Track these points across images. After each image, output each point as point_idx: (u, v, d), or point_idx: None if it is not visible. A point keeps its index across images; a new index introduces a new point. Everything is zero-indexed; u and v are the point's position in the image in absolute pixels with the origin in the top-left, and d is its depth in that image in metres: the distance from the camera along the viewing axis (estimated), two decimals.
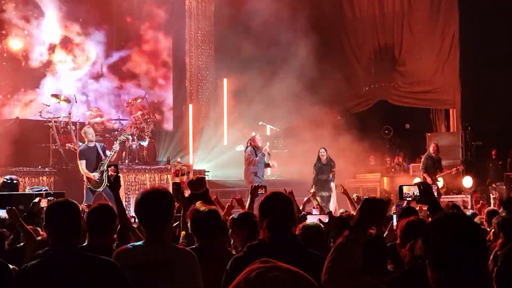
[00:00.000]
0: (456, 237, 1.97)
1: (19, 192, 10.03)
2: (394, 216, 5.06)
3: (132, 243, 3.47)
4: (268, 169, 15.62)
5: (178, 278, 3.21)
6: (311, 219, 5.43)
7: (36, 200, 5.77)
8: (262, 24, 15.50)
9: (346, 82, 17.79)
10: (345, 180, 13.57)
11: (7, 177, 10.04)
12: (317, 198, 9.51)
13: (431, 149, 13.44)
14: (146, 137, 13.41)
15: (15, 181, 10.00)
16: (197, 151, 15.66)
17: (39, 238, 4.79)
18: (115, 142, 11.09)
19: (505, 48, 15.41)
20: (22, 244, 4.86)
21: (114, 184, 4.19)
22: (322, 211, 8.08)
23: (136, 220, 4.02)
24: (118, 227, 4.06)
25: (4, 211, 4.95)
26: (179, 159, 13.75)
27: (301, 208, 7.07)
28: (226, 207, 6.21)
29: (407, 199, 4.06)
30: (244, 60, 15.43)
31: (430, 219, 4.21)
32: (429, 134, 16.33)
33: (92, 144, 10.34)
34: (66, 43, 14.61)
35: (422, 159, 13.67)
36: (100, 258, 3.05)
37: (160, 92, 16.29)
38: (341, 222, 4.90)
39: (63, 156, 12.29)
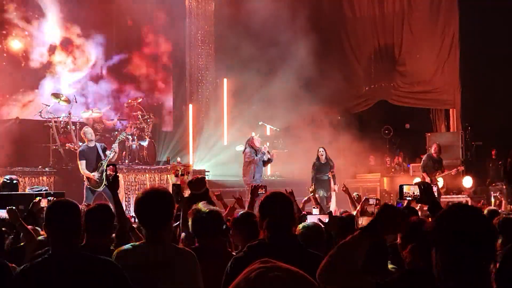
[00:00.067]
0: (456, 237, 1.97)
1: (19, 192, 10.02)
2: None
3: (132, 243, 3.47)
4: (268, 169, 15.66)
5: (178, 278, 3.21)
6: (311, 219, 5.43)
7: (36, 200, 5.77)
8: (262, 24, 15.50)
9: (346, 82, 17.80)
10: (345, 180, 13.57)
11: (7, 177, 10.04)
12: (316, 196, 9.51)
13: (432, 149, 13.38)
14: (146, 137, 13.41)
15: (15, 181, 9.99)
16: (197, 151, 15.66)
17: (40, 238, 4.79)
18: (114, 141, 11.09)
19: (505, 48, 15.40)
20: (22, 244, 4.87)
21: (113, 183, 4.19)
22: (322, 211, 8.07)
23: (136, 220, 4.02)
24: (117, 227, 4.06)
25: (4, 211, 4.94)
26: (179, 159, 13.75)
27: (301, 207, 7.08)
28: (228, 208, 6.21)
29: (407, 198, 4.05)
30: (244, 60, 15.43)
31: (430, 219, 4.22)
32: (429, 134, 16.33)
33: (92, 144, 10.34)
34: (67, 45, 14.62)
35: (423, 159, 13.68)
36: (100, 258, 3.05)
37: (160, 95, 16.29)
38: (341, 222, 4.90)
39: (63, 156, 12.29)
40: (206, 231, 3.87)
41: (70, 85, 14.26)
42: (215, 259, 3.59)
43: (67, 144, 12.24)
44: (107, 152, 10.32)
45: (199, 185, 5.80)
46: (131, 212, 10.14)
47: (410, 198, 4.02)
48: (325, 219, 5.43)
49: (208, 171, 14.25)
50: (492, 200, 12.55)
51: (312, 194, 8.53)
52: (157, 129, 15.16)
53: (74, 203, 3.18)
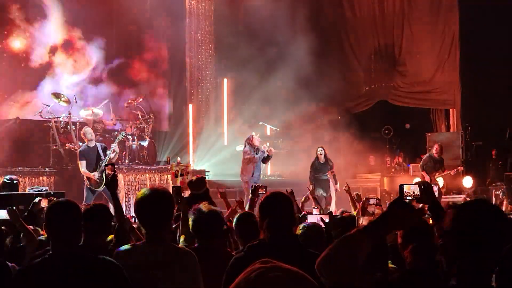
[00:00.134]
0: (477, 232, 1.95)
1: (19, 192, 10.01)
2: None
3: (132, 243, 3.47)
4: (268, 169, 15.66)
5: (178, 278, 3.21)
6: (311, 219, 5.44)
7: (37, 200, 5.77)
8: (262, 24, 15.51)
9: (346, 82, 17.82)
10: (345, 180, 13.58)
11: (7, 177, 10.02)
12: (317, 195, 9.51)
13: (434, 149, 13.32)
14: (146, 137, 13.40)
15: (15, 181, 9.97)
16: (197, 151, 15.66)
17: (40, 238, 4.79)
18: (114, 141, 11.08)
19: (505, 48, 15.41)
20: (22, 244, 4.86)
21: (111, 182, 4.20)
22: (321, 211, 8.07)
23: (136, 220, 4.02)
24: (116, 227, 4.06)
25: (5, 211, 4.94)
26: (179, 159, 13.75)
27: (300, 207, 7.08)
28: (229, 211, 6.21)
29: (408, 198, 4.05)
30: (244, 60, 15.44)
31: (430, 219, 4.22)
32: (429, 134, 16.33)
33: (92, 144, 10.33)
34: (67, 47, 14.61)
35: (423, 158, 13.68)
36: (101, 258, 3.05)
37: (159, 101, 16.30)
38: (341, 222, 4.91)
39: (63, 156, 12.28)
40: (206, 231, 3.87)
41: (69, 87, 14.25)
42: (215, 259, 3.58)
43: (67, 144, 12.23)
44: (108, 152, 10.31)
45: (199, 185, 5.81)
46: (131, 212, 10.13)
47: (411, 198, 4.02)
48: (326, 219, 5.44)
49: (208, 171, 14.25)
50: (493, 200, 12.56)
51: (311, 192, 8.52)
52: (157, 129, 15.15)
53: (74, 203, 3.19)
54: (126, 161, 13.00)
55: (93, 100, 14.59)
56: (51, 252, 3.06)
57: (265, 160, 12.37)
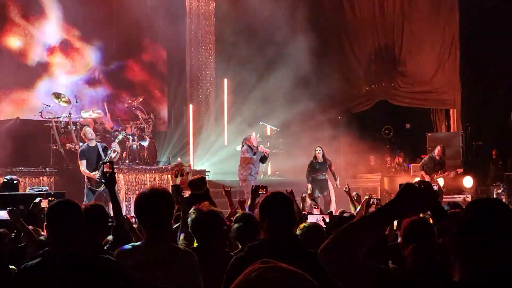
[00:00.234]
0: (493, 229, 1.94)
1: (20, 193, 10.00)
2: None
3: (132, 243, 3.47)
4: (268, 169, 15.66)
5: (178, 278, 3.21)
6: (311, 219, 5.44)
7: (37, 200, 5.76)
8: (262, 24, 15.51)
9: (346, 82, 17.81)
10: (345, 180, 13.58)
11: (8, 177, 10.02)
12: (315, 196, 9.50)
13: (436, 151, 13.27)
14: (146, 137, 13.41)
15: (15, 181, 9.97)
16: (196, 151, 15.66)
17: (40, 238, 4.79)
18: (114, 141, 11.08)
19: (505, 48, 15.40)
20: (22, 244, 4.86)
21: (109, 180, 4.19)
22: (320, 212, 8.08)
23: (136, 220, 4.02)
24: (114, 225, 4.05)
25: (5, 211, 4.94)
26: (179, 159, 13.75)
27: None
28: (230, 211, 6.21)
29: None
30: (244, 60, 15.44)
31: (431, 219, 4.22)
32: (429, 134, 16.32)
33: (93, 144, 10.32)
34: (66, 47, 14.61)
35: (424, 158, 13.67)
36: (102, 257, 3.05)
37: (159, 101, 16.29)
38: (341, 222, 4.90)
39: (64, 156, 12.28)
40: (206, 231, 3.87)
41: (67, 87, 14.24)
42: (215, 260, 3.58)
43: (67, 144, 12.23)
44: (109, 152, 10.31)
45: (200, 185, 5.80)
46: (131, 212, 10.13)
47: None
48: (326, 219, 5.44)
49: (209, 171, 14.25)
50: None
51: (309, 193, 8.52)
52: (157, 129, 15.15)
53: (75, 204, 3.19)
54: (127, 161, 13.00)
55: (89, 101, 14.60)
56: (51, 252, 3.06)
57: (263, 160, 12.37)
